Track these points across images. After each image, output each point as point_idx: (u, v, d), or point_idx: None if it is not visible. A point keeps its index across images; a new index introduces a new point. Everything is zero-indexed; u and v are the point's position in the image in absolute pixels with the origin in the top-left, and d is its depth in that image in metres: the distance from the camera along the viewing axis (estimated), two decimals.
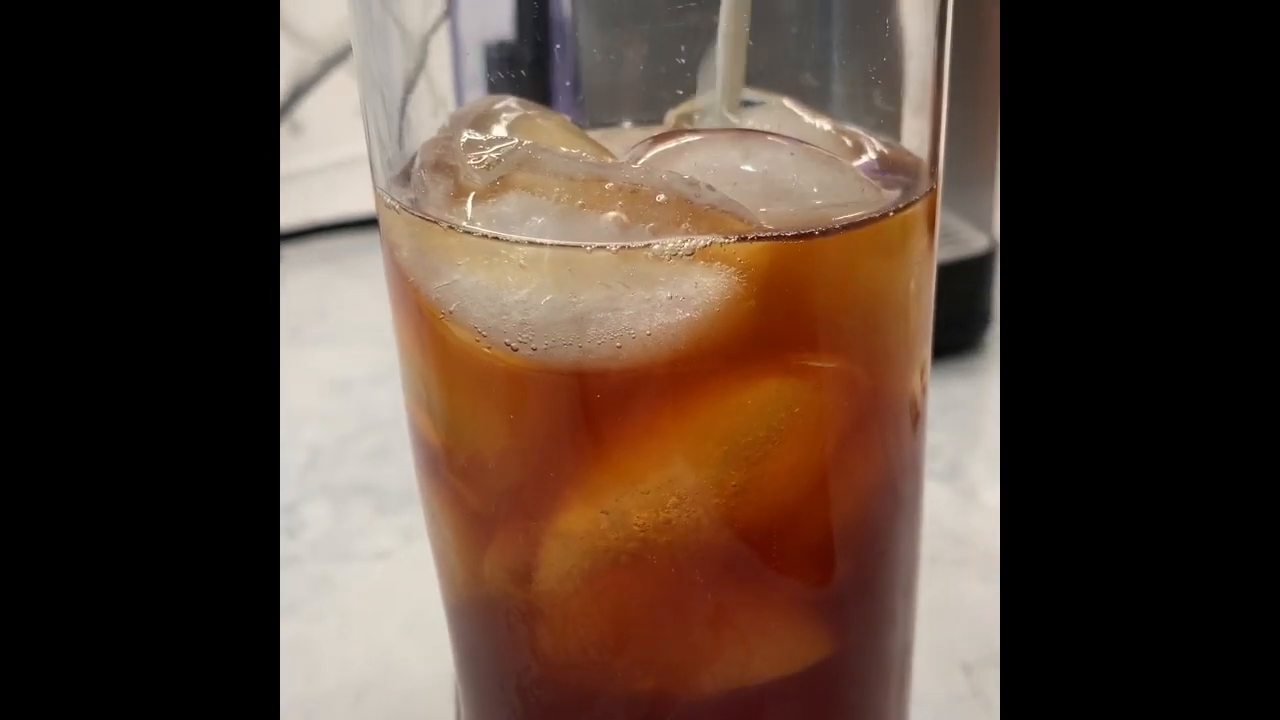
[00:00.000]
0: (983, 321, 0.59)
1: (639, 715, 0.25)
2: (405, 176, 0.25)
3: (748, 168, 0.23)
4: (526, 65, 0.26)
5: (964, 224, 0.60)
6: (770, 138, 0.24)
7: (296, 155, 0.85)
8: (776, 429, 0.23)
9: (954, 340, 0.58)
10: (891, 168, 0.25)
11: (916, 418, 0.26)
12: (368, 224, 0.77)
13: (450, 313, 0.23)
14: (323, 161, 0.90)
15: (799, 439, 0.23)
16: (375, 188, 0.25)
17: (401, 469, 0.50)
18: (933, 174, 0.25)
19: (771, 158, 0.23)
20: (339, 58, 0.83)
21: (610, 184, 0.22)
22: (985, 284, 0.58)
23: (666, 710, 0.25)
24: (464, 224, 0.23)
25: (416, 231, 0.24)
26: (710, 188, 0.22)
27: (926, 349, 0.26)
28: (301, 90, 0.81)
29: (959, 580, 0.42)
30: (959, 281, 0.57)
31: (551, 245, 0.22)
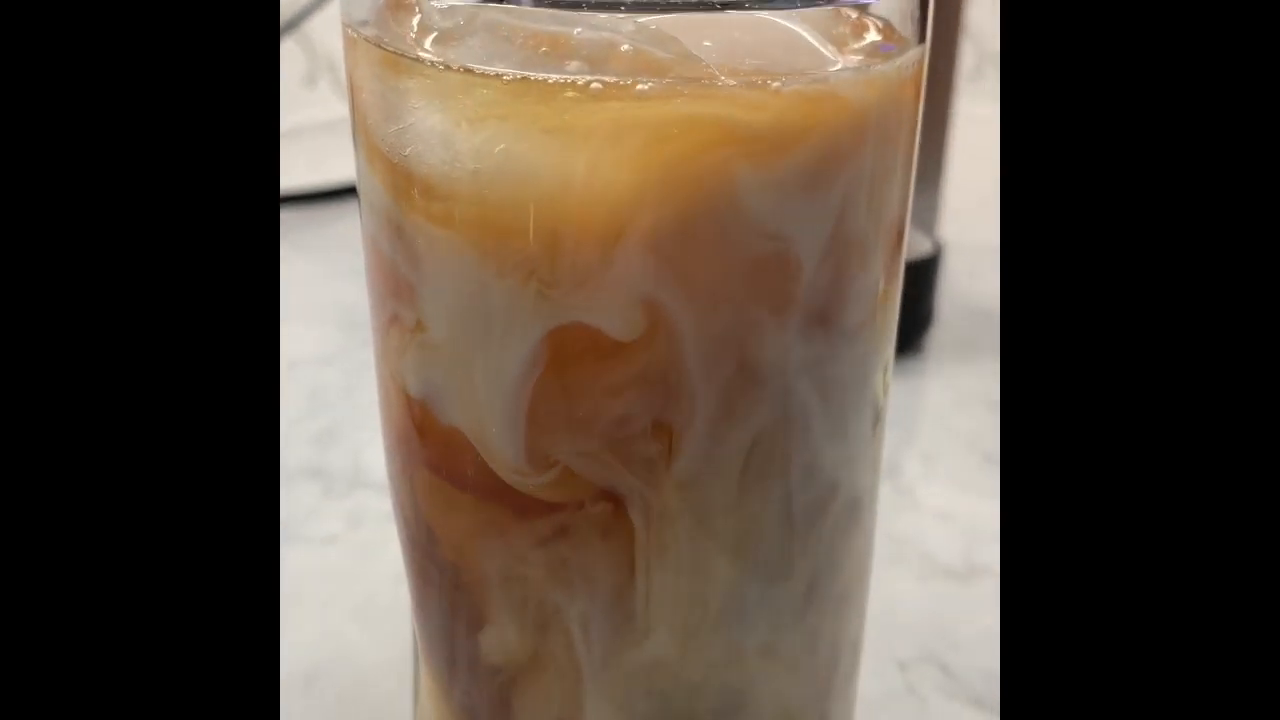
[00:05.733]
0: (925, 324, 0.60)
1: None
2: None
3: (719, 37, 0.22)
4: None
5: (908, 228, 0.61)
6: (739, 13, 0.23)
7: None
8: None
9: (896, 342, 0.59)
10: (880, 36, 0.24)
11: (877, 417, 0.27)
12: (315, 197, 0.76)
13: (405, 157, 0.23)
14: None
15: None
16: (342, 22, 0.25)
17: (348, 452, 0.50)
18: (920, 37, 0.24)
19: (740, 23, 0.23)
20: (287, 25, 0.82)
21: (578, 29, 0.21)
22: (928, 287, 0.59)
23: None
24: (422, 54, 0.22)
25: (377, 72, 0.23)
26: (676, 40, 0.21)
27: (891, 343, 0.27)
28: None
29: (894, 578, 0.43)
30: (903, 284, 0.58)
31: (511, 81, 0.21)
